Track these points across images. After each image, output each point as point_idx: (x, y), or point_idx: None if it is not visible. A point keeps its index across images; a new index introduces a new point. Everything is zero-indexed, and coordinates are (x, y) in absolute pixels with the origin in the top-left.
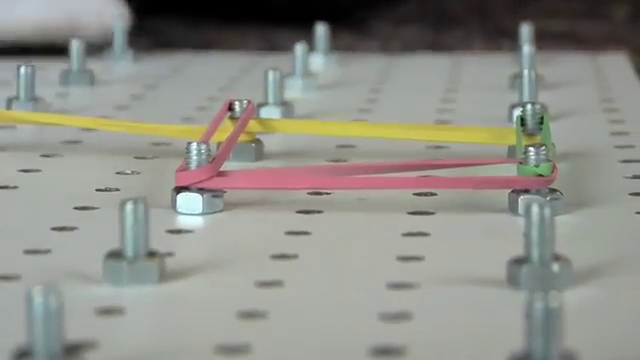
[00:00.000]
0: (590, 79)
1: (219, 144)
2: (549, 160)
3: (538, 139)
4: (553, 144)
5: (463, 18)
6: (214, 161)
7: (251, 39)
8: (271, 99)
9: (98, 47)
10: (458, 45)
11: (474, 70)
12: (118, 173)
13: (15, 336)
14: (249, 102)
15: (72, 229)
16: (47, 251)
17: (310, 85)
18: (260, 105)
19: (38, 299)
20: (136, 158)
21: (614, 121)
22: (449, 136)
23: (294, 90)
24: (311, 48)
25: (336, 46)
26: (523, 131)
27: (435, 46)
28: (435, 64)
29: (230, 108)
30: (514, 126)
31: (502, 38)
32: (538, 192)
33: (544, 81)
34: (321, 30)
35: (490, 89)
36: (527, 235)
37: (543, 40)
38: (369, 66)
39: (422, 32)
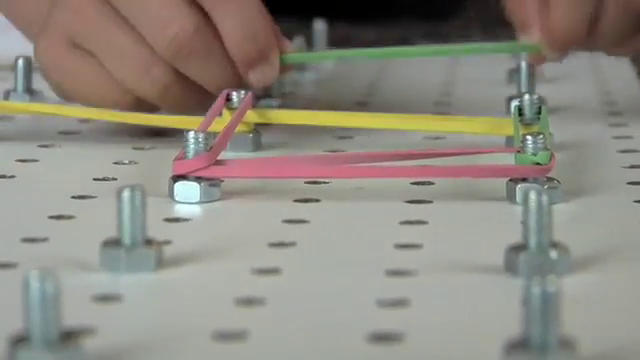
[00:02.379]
0: (588, 73)
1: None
2: (547, 149)
3: (536, 128)
4: (550, 133)
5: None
6: (211, 150)
7: None
8: (269, 90)
9: None
10: (456, 34)
11: (472, 64)
12: (116, 163)
13: (12, 324)
14: (247, 92)
15: (69, 218)
16: (45, 239)
17: (308, 79)
18: (258, 96)
19: (35, 284)
20: (134, 148)
21: (612, 113)
22: (447, 126)
23: (292, 84)
24: (309, 43)
25: (333, 36)
26: (521, 121)
27: (432, 35)
28: (433, 58)
29: (228, 98)
30: (512, 116)
31: (500, 27)
32: (536, 180)
33: (543, 76)
34: (319, 25)
35: (488, 83)
36: (525, 222)
37: None
38: (367, 60)
39: (419, 21)
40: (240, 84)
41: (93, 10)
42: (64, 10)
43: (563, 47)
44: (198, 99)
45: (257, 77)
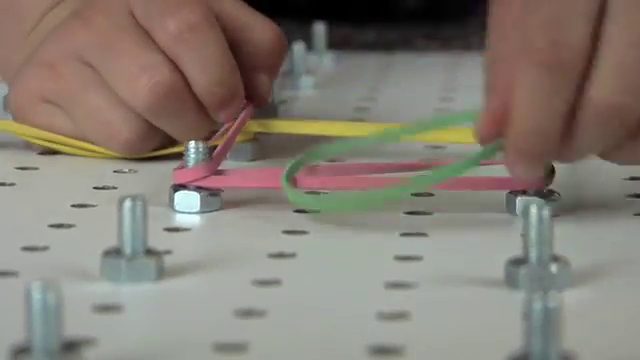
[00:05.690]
0: None
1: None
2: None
3: None
4: None
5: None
6: (212, 159)
7: None
8: (269, 98)
9: None
10: (456, 36)
11: (472, 69)
12: (116, 172)
13: (13, 333)
14: (247, 102)
15: (70, 226)
16: (45, 248)
17: (308, 83)
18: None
19: (37, 295)
20: (134, 157)
21: None
22: (446, 136)
23: (292, 89)
24: (309, 45)
25: (333, 37)
26: None
27: (433, 37)
28: (433, 62)
29: None
30: None
31: None
32: (536, 193)
33: None
34: (319, 27)
35: None
36: (525, 236)
37: None
38: (367, 64)
39: (420, 22)
40: (208, 129)
41: (68, 69)
42: (39, 66)
43: (530, 153)
44: (162, 147)
45: (228, 115)
